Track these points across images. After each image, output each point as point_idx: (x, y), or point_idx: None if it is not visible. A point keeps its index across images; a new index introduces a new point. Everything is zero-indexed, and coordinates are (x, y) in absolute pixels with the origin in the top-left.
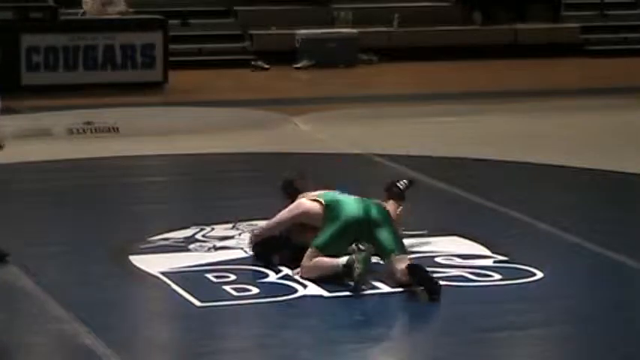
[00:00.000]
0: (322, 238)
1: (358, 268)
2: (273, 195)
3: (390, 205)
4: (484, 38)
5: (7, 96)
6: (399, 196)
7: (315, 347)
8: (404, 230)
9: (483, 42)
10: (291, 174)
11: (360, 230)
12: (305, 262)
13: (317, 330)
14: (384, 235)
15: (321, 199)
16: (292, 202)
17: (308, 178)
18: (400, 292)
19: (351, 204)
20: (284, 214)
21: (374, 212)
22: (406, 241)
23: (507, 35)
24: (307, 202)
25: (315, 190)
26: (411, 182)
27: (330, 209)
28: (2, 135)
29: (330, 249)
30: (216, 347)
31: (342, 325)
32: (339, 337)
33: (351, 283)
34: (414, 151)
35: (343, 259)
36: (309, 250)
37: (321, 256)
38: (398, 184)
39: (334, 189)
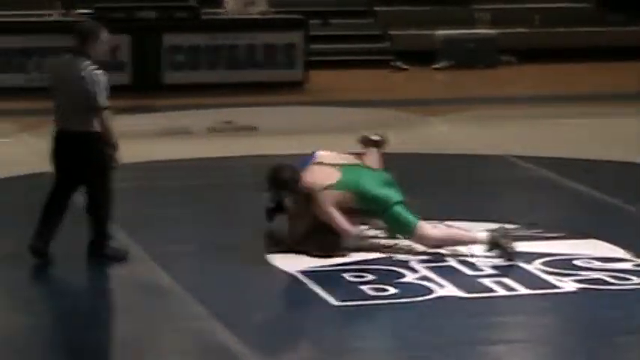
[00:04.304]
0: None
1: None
2: (407, 196)
3: (373, 154)
4: (624, 39)
5: (149, 94)
6: (375, 144)
7: (451, 349)
8: (541, 232)
9: (623, 43)
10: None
11: None
12: (426, 230)
13: (453, 331)
14: None
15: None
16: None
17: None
18: (538, 294)
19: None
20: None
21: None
22: (543, 243)
23: None
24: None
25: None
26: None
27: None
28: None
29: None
30: (352, 346)
31: (478, 327)
32: (474, 339)
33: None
34: (551, 153)
35: (484, 236)
36: (419, 224)
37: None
38: (372, 138)
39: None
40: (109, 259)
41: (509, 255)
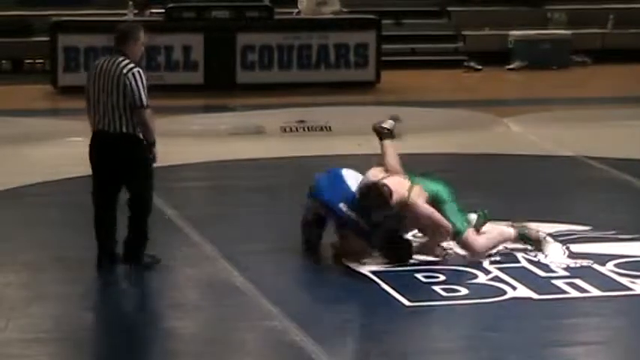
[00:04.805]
0: (462, 219)
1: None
2: (480, 196)
3: (389, 149)
4: None
5: (222, 94)
6: (390, 136)
7: (524, 350)
8: (614, 234)
9: None
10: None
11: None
12: (474, 240)
13: (526, 332)
14: None
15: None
16: None
17: None
18: (611, 296)
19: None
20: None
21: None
22: (616, 245)
23: None
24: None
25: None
26: (395, 119)
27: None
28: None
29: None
30: (425, 347)
31: (552, 328)
32: (549, 341)
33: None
34: (624, 154)
35: (513, 232)
36: (469, 231)
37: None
38: (385, 126)
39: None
40: (145, 267)
41: (538, 245)
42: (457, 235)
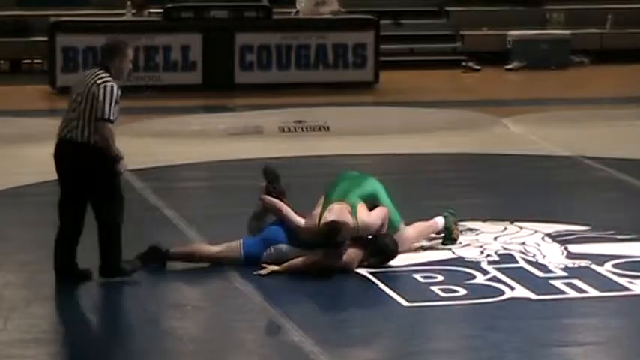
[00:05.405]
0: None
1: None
2: (479, 196)
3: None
4: None
5: (220, 94)
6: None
7: (523, 350)
8: (613, 234)
9: None
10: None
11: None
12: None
13: (524, 333)
14: None
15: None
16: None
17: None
18: (609, 296)
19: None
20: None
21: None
22: (614, 245)
23: None
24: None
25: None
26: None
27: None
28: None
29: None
30: (424, 347)
31: (549, 328)
32: (547, 341)
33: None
34: (622, 154)
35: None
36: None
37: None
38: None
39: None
40: (128, 274)
41: (452, 242)
42: (391, 229)
